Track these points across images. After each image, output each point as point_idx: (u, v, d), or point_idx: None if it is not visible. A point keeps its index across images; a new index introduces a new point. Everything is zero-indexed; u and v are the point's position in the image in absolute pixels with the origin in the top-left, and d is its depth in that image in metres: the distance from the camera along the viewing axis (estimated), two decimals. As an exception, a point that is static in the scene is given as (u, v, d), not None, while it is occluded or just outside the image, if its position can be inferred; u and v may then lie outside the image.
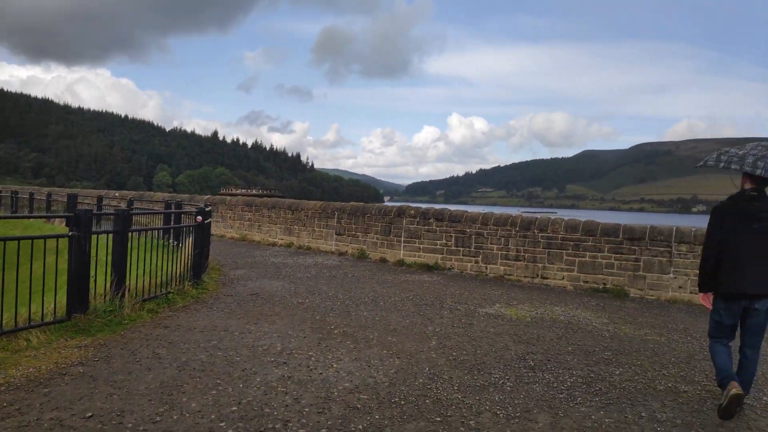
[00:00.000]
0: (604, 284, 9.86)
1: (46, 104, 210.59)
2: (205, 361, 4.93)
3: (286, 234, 14.74)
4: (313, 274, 10.26)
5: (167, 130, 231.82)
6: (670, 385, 4.80)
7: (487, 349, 5.67)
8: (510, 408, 4.12)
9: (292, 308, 7.31)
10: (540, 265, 10.44)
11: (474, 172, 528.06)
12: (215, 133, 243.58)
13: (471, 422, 3.83)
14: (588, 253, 10.01)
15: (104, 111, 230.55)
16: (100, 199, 18.86)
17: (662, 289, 9.39)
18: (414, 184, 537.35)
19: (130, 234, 6.74)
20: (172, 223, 11.69)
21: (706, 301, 4.34)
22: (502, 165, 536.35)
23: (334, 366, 4.93)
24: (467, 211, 11.60)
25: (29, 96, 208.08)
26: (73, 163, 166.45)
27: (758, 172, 3.90)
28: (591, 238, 9.98)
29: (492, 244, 10.97)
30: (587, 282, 10.01)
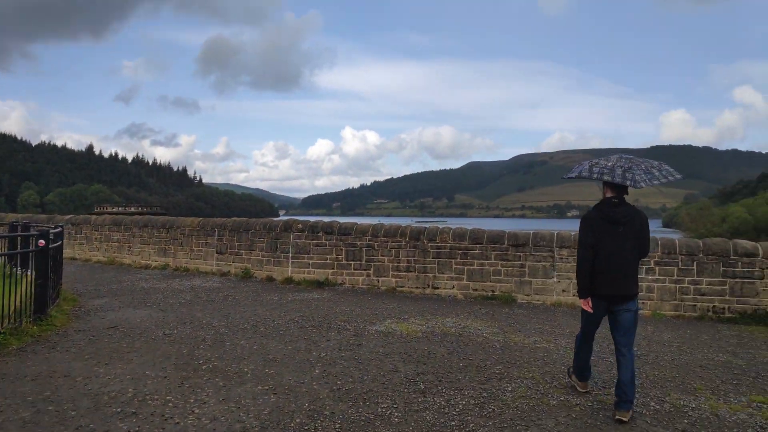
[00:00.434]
0: (493, 291, 9.86)
1: None
2: (29, 420, 3.95)
3: (161, 255, 13.39)
4: (188, 300, 9.24)
5: (33, 144, 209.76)
6: (562, 398, 4.61)
7: (375, 374, 5.18)
8: (398, 445, 3.65)
9: (155, 342, 6.35)
10: (431, 275, 10.25)
11: (369, 184, 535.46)
12: (90, 148, 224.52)
13: (353, 469, 3.30)
14: (476, 261, 9.97)
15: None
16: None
17: (547, 293, 9.55)
18: (310, 197, 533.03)
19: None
20: (19, 247, 10.02)
21: (587, 306, 4.43)
22: (395, 177, 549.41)
23: (196, 412, 4.17)
24: (357, 223, 11.17)
25: None
26: None
27: (628, 183, 4.20)
28: (478, 245, 9.96)
29: (383, 256, 10.62)
30: (476, 290, 9.95)
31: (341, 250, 10.91)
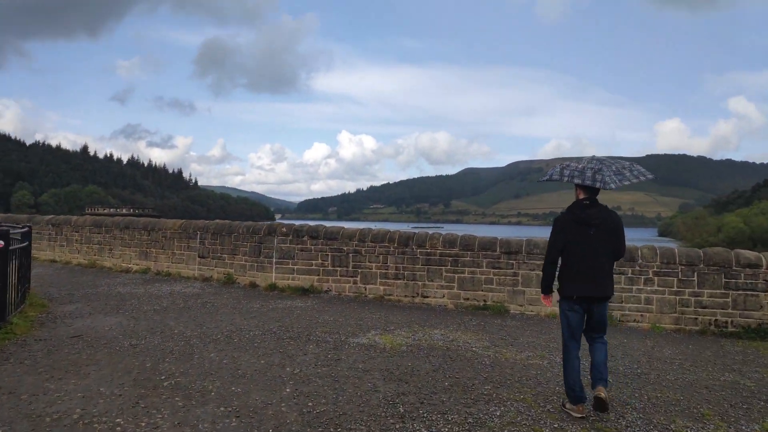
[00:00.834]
0: (485, 301, 9.42)
1: None
2: (-47, 447, 3.49)
3: (142, 258, 12.90)
4: (164, 306, 8.76)
5: (28, 144, 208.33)
6: (556, 425, 4.16)
7: (351, 394, 4.72)
8: (368, 482, 3.20)
9: (118, 354, 5.88)
10: (420, 283, 9.80)
11: (365, 189, 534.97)
12: (85, 148, 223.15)
13: None
14: (467, 269, 9.53)
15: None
16: None
17: (541, 304, 9.10)
18: (306, 201, 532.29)
19: None
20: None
21: (547, 301, 4.64)
22: (391, 182, 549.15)
23: (145, 438, 3.72)
24: (344, 227, 10.72)
25: None
26: None
27: (597, 185, 4.21)
28: (469, 252, 9.52)
29: (370, 262, 10.16)
30: (468, 299, 9.51)
31: (327, 255, 10.46)
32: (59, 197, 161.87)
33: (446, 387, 5.00)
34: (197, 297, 9.75)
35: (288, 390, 4.79)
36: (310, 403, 4.46)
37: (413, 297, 9.82)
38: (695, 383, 5.55)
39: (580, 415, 4.31)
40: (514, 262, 9.37)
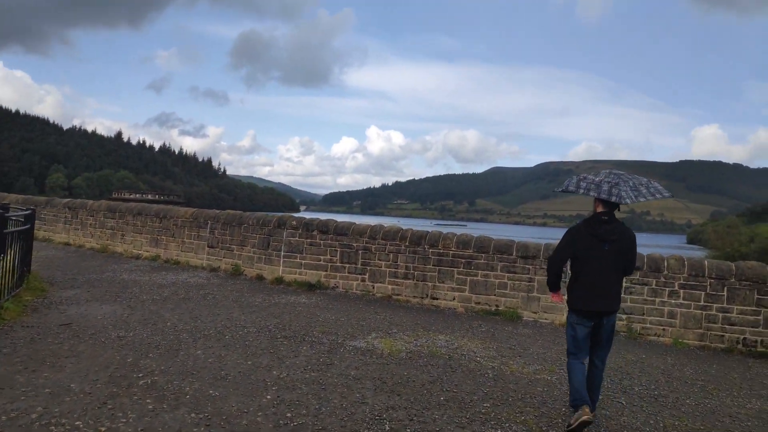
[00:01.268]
0: (497, 306, 8.96)
1: None
2: None
3: (153, 245, 12.76)
4: (164, 296, 8.54)
5: (65, 128, 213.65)
6: (556, 456, 3.73)
7: (336, 405, 4.36)
8: None
9: (102, 346, 5.63)
10: (430, 284, 9.38)
11: (390, 184, 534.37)
12: (119, 134, 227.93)
13: None
14: (480, 272, 9.07)
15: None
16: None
17: (556, 312, 8.61)
18: (331, 194, 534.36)
19: None
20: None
21: (557, 297, 4.71)
22: (417, 178, 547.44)
23: (100, 446, 3.41)
24: (354, 223, 10.35)
25: None
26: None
27: (613, 199, 4.18)
28: (483, 255, 9.06)
29: (380, 260, 9.78)
30: (479, 303, 9.06)
31: (336, 251, 10.11)
32: (92, 181, 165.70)
33: (441, 402, 4.60)
34: (200, 288, 9.52)
35: (269, 396, 4.45)
36: (288, 414, 4.10)
37: (422, 298, 9.41)
38: (718, 410, 5.03)
39: (587, 418, 4.06)
40: (530, 267, 8.88)
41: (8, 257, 7.13)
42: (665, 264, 8.24)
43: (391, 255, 9.69)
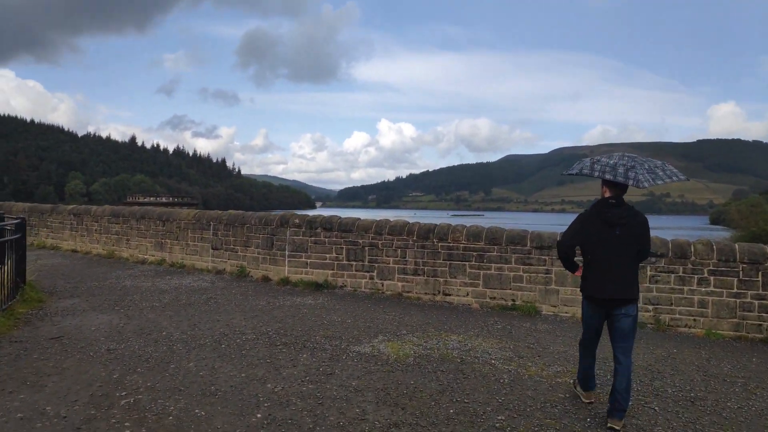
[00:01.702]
0: (513, 301, 8.46)
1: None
2: None
3: (158, 249, 12.47)
4: (164, 303, 8.19)
5: (79, 135, 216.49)
6: (582, 480, 3.25)
7: (333, 423, 3.93)
8: None
9: (90, 361, 5.28)
10: (441, 279, 8.91)
11: (404, 176, 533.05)
12: (133, 139, 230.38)
13: None
14: (494, 265, 8.58)
15: (5, 115, 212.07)
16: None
17: (577, 304, 8.07)
18: (346, 189, 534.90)
19: None
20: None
21: (581, 272, 4.43)
22: (431, 170, 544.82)
23: (61, 484, 3.02)
24: (360, 219, 9.90)
25: None
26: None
27: (630, 183, 4.04)
28: (496, 247, 8.56)
29: (388, 256, 9.33)
30: (494, 298, 8.57)
31: (342, 248, 9.68)
32: (109, 186, 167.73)
33: (450, 415, 4.14)
34: (203, 292, 9.16)
35: (259, 415, 4.03)
36: (279, 436, 3.69)
37: (434, 295, 8.94)
38: (766, 413, 4.50)
39: (588, 401, 4.43)
40: (546, 257, 8.36)
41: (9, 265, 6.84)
42: (692, 249, 7.67)
43: (399, 251, 9.23)
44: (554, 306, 8.28)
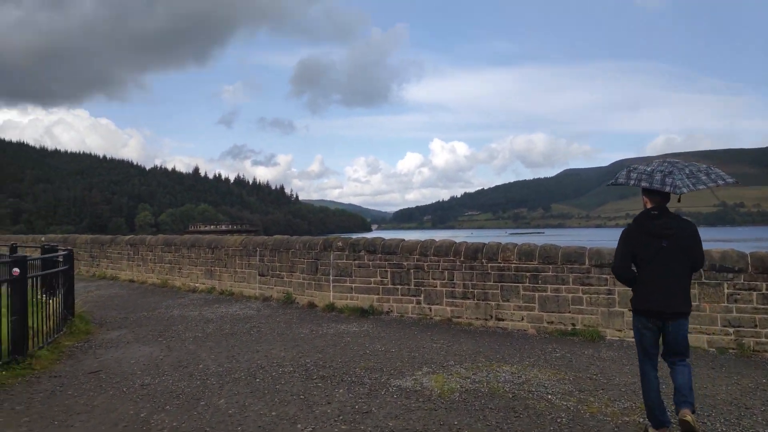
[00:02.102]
0: (573, 325, 7.77)
1: (21, 148, 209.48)
2: None
3: (208, 277, 12.52)
4: (207, 333, 8.05)
5: (147, 168, 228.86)
6: None
7: (363, 473, 3.51)
8: None
9: (121, 398, 5.10)
10: (493, 303, 8.34)
11: (459, 195, 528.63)
12: (196, 170, 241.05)
13: None
14: (549, 286, 7.93)
15: (81, 152, 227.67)
16: None
17: (646, 328, 7.30)
18: (401, 210, 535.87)
19: None
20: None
21: None
22: (486, 188, 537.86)
23: None
24: (404, 240, 9.51)
25: (3, 140, 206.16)
26: (51, 208, 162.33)
27: (667, 189, 3.89)
28: (551, 266, 7.92)
29: (434, 279, 8.86)
30: (552, 323, 7.91)
31: (386, 271, 9.30)
32: (175, 216, 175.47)
33: (497, 464, 3.63)
34: (248, 320, 8.99)
35: (283, 462, 3.67)
36: (301, 488, 3.30)
37: (486, 320, 8.37)
38: None
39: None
40: (608, 276, 7.64)
41: (42, 301, 6.90)
42: (779, 264, 6.78)
43: (446, 272, 8.74)
44: (619, 330, 7.53)
